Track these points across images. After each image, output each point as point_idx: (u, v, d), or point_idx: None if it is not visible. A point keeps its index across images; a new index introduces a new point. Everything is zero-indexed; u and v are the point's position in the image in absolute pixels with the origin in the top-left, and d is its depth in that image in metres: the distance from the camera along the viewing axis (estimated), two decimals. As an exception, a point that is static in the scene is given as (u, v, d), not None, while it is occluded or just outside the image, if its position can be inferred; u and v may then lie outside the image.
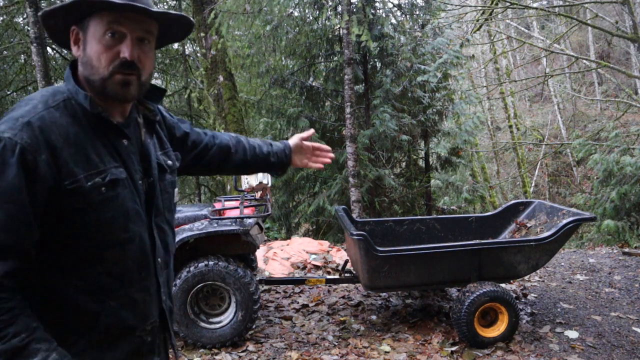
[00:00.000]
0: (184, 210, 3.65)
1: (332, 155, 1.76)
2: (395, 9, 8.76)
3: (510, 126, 17.10)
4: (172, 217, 1.41)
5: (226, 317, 3.51)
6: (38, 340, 1.08)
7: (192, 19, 1.33)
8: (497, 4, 8.47)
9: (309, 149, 1.76)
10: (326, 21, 8.18)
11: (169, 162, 1.39)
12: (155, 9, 1.19)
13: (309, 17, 8.36)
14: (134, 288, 1.25)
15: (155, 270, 1.31)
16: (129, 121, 1.29)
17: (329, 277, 4.20)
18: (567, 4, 9.94)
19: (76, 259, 1.17)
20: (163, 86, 13.29)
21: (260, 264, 5.28)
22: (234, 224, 3.44)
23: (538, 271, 5.14)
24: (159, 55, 11.62)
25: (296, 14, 8.22)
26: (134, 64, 1.18)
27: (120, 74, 1.17)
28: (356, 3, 7.78)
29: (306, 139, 1.75)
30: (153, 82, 1.34)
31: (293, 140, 1.73)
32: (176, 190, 1.45)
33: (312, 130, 1.77)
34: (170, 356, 1.45)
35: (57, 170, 1.11)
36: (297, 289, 4.70)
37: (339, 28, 8.13)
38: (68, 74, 1.23)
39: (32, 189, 1.08)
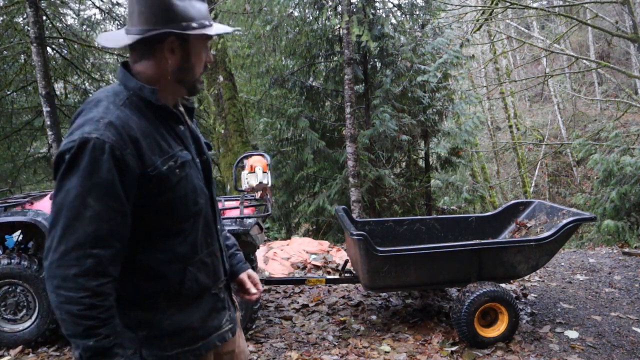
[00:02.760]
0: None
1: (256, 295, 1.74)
2: (395, 9, 8.76)
3: (510, 126, 17.10)
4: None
5: (226, 317, 3.51)
6: (119, 345, 1.24)
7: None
8: (497, 4, 8.47)
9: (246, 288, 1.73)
10: (326, 21, 8.18)
11: (206, 140, 1.60)
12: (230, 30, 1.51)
13: (309, 17, 8.36)
14: (204, 253, 1.43)
15: (217, 236, 1.51)
16: (191, 105, 1.54)
17: (329, 277, 4.20)
18: (567, 4, 9.94)
19: (160, 234, 1.34)
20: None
21: (260, 264, 5.28)
22: (234, 224, 3.44)
23: (538, 271, 5.14)
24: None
25: (296, 14, 8.23)
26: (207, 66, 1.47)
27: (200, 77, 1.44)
28: (356, 3, 7.78)
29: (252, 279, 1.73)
30: None
31: (242, 275, 1.71)
32: None
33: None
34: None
35: (140, 160, 1.27)
36: (297, 289, 4.70)
37: (339, 28, 8.13)
38: (125, 73, 1.38)
39: (124, 180, 1.24)
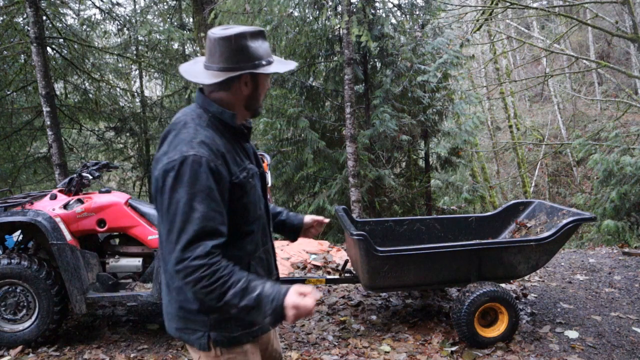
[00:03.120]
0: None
1: (326, 221, 2.15)
2: (395, 9, 8.76)
3: (510, 126, 17.10)
4: None
5: (226, 317, 3.51)
6: (253, 280, 1.52)
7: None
8: (497, 4, 8.47)
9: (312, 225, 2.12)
10: (326, 21, 8.17)
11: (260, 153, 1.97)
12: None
13: (309, 17, 8.36)
14: (261, 250, 1.74)
15: (270, 236, 1.81)
16: (249, 125, 1.81)
17: (329, 277, 4.19)
18: (567, 4, 9.94)
19: (237, 234, 1.64)
20: (163, 86, 13.23)
21: (260, 264, 5.27)
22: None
23: (538, 271, 5.14)
24: (159, 55, 11.62)
25: (296, 14, 8.22)
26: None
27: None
28: (356, 3, 7.78)
29: (319, 222, 2.12)
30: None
31: (307, 218, 2.10)
32: None
33: (327, 220, 2.15)
34: None
35: (228, 170, 1.57)
36: (297, 289, 4.70)
37: (339, 28, 8.13)
38: (205, 99, 1.67)
39: (219, 187, 1.53)
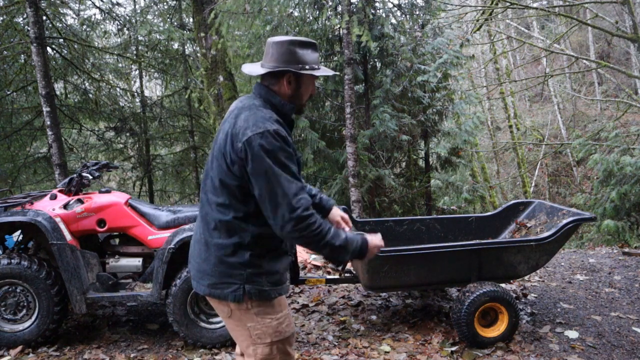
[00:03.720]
0: (184, 210, 3.64)
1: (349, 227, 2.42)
2: (395, 9, 8.75)
3: (510, 126, 17.09)
4: None
5: (226, 317, 3.51)
6: (335, 229, 1.93)
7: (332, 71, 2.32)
8: (497, 4, 8.47)
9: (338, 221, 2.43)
10: (326, 21, 8.17)
11: None
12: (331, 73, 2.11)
13: (309, 17, 8.35)
14: None
15: None
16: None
17: (329, 277, 4.19)
18: (567, 4, 9.94)
19: None
20: (163, 86, 13.20)
21: (260, 264, 5.27)
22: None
23: (538, 271, 5.14)
24: (159, 55, 11.62)
25: (296, 14, 8.21)
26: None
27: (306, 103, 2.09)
28: (356, 3, 7.78)
29: (344, 219, 2.42)
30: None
31: (334, 211, 2.43)
32: None
33: (350, 226, 2.41)
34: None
35: (294, 149, 1.90)
36: (297, 289, 4.70)
37: (339, 28, 8.13)
38: (268, 91, 1.99)
39: (295, 156, 1.90)
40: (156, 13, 11.78)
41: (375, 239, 2.02)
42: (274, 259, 1.98)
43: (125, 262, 3.72)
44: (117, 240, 4.13)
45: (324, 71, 2.01)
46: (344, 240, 1.91)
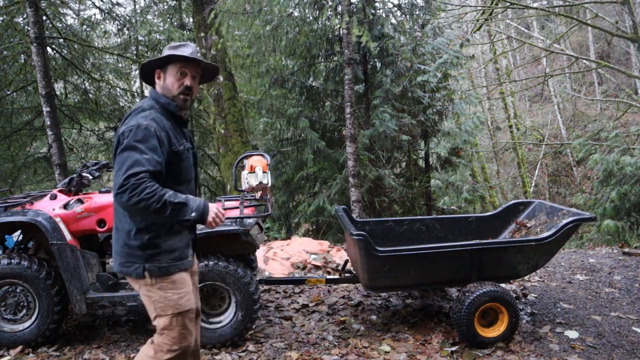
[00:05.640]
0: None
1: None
2: (395, 9, 8.75)
3: (510, 126, 17.09)
4: None
5: (226, 317, 3.51)
6: (173, 193, 2.09)
7: (218, 65, 2.63)
8: (497, 4, 8.47)
9: None
10: (326, 21, 8.17)
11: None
12: (204, 61, 2.33)
13: (309, 17, 8.35)
14: None
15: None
16: (186, 118, 2.42)
17: (329, 277, 4.19)
18: (567, 4, 9.94)
19: (173, 186, 2.17)
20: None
21: (260, 264, 5.27)
22: (234, 224, 3.44)
23: (538, 271, 5.14)
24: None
25: (296, 14, 8.21)
26: (190, 89, 2.30)
27: (182, 94, 2.29)
28: (356, 3, 7.78)
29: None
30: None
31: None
32: None
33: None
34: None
35: (169, 141, 2.19)
36: (297, 289, 4.70)
37: (339, 28, 8.13)
38: (155, 93, 2.31)
39: (161, 147, 2.13)
40: (156, 13, 11.79)
41: (215, 206, 2.17)
42: (172, 237, 2.25)
43: (125, 262, 3.71)
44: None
45: (171, 51, 2.25)
46: (184, 198, 2.07)
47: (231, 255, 3.55)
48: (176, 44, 2.32)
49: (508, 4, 8.45)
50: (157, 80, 2.32)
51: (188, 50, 2.28)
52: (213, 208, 2.15)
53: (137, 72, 12.18)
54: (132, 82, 12.97)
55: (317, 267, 5.35)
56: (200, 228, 3.41)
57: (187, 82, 2.27)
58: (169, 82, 2.27)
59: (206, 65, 2.38)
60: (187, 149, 2.29)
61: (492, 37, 14.58)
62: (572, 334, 3.66)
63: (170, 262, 2.23)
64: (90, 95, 9.81)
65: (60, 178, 6.93)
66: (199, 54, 2.36)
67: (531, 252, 3.57)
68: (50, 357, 3.45)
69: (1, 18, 8.56)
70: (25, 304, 3.50)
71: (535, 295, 4.46)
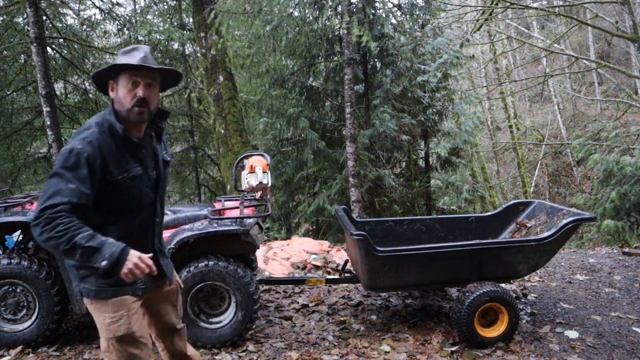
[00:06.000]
0: (184, 210, 3.64)
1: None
2: (395, 9, 8.75)
3: (510, 126, 17.09)
4: (165, 193, 2.30)
5: (226, 317, 3.51)
6: (100, 235, 1.85)
7: (179, 71, 2.22)
8: (497, 4, 8.46)
9: None
10: (326, 21, 8.17)
11: (169, 158, 2.28)
12: (156, 66, 2.02)
13: (309, 17, 8.35)
14: (139, 235, 2.11)
15: (153, 226, 2.19)
16: (145, 135, 2.13)
17: (329, 277, 4.19)
18: (567, 4, 9.94)
19: (113, 216, 2.03)
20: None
21: (260, 264, 5.27)
22: (234, 224, 3.44)
23: (538, 271, 5.14)
24: (159, 55, 11.62)
25: (296, 14, 8.22)
26: (145, 100, 2.01)
27: (137, 107, 2.00)
28: (356, 3, 7.78)
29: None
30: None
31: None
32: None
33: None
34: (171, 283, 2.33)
35: (104, 169, 1.95)
36: (297, 289, 4.70)
37: (339, 28, 8.13)
38: (110, 109, 2.05)
39: (91, 177, 1.91)
40: (156, 13, 11.78)
41: (135, 257, 1.83)
42: None
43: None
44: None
45: (121, 58, 2.00)
46: (99, 242, 1.81)
47: (231, 255, 3.55)
48: (128, 48, 2.05)
49: (508, 4, 8.45)
50: (110, 93, 2.05)
51: (139, 55, 2.01)
52: (134, 258, 1.82)
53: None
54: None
55: (317, 267, 5.35)
56: (200, 228, 3.42)
57: (140, 92, 1.99)
58: (121, 94, 2.00)
59: (161, 71, 2.07)
60: (134, 177, 2.02)
61: (492, 37, 14.58)
62: (572, 334, 3.66)
63: (102, 286, 2.03)
64: (90, 95, 9.81)
65: (60, 178, 6.92)
66: (152, 59, 2.06)
67: (531, 252, 3.57)
68: (50, 357, 3.45)
69: (1, 18, 8.56)
70: (25, 304, 3.50)
71: (535, 295, 4.46)
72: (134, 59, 1.99)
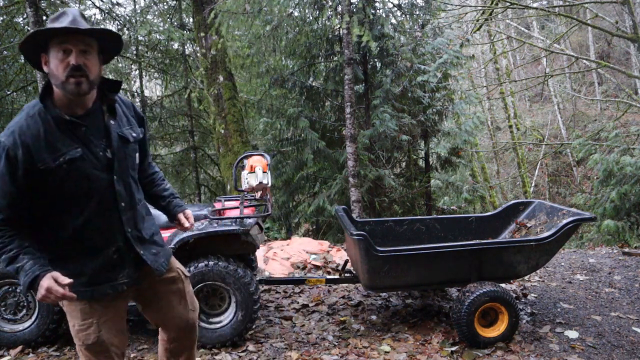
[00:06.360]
0: (184, 210, 3.64)
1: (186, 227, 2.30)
2: (395, 9, 8.75)
3: (510, 126, 17.09)
4: (135, 173, 2.03)
5: (226, 317, 3.51)
6: (25, 253, 1.74)
7: (119, 33, 1.89)
8: (497, 4, 8.47)
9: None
10: (326, 21, 8.17)
11: (134, 134, 2.00)
12: (86, 26, 1.74)
13: (309, 17, 8.35)
14: (99, 223, 1.89)
15: (118, 212, 1.93)
16: (90, 111, 1.87)
17: (329, 277, 4.19)
18: (567, 4, 9.94)
19: (62, 205, 1.83)
20: (163, 86, 13.20)
21: (260, 264, 5.27)
22: (234, 224, 3.44)
23: (538, 271, 5.14)
24: (159, 55, 11.62)
25: (296, 14, 8.22)
26: (80, 67, 1.74)
27: (72, 77, 1.74)
28: (356, 3, 7.77)
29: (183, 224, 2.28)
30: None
31: (179, 215, 2.28)
32: (137, 154, 2.05)
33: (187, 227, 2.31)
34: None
35: (30, 158, 1.73)
36: (297, 289, 4.70)
37: (339, 28, 8.13)
38: (42, 90, 1.83)
39: (14, 172, 1.73)
40: (156, 13, 11.79)
41: (48, 282, 1.69)
42: (79, 260, 1.89)
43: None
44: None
45: (51, 25, 1.74)
46: (15, 270, 1.73)
47: (231, 255, 3.55)
48: (56, 14, 1.78)
49: (508, 4, 8.45)
50: (44, 68, 1.81)
51: (67, 19, 1.74)
52: (45, 284, 1.69)
53: (137, 72, 12.21)
54: (132, 82, 12.97)
55: (317, 267, 5.35)
56: (200, 228, 3.42)
57: (73, 60, 1.72)
58: (53, 65, 1.75)
59: (93, 32, 1.78)
60: (72, 159, 1.78)
61: (492, 37, 14.58)
62: (572, 334, 3.66)
63: (77, 287, 1.83)
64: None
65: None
66: (83, 23, 1.78)
67: (531, 252, 3.57)
68: (50, 357, 3.45)
69: (1, 18, 8.56)
70: (25, 304, 3.51)
71: (535, 295, 4.46)
72: (61, 24, 1.72)
